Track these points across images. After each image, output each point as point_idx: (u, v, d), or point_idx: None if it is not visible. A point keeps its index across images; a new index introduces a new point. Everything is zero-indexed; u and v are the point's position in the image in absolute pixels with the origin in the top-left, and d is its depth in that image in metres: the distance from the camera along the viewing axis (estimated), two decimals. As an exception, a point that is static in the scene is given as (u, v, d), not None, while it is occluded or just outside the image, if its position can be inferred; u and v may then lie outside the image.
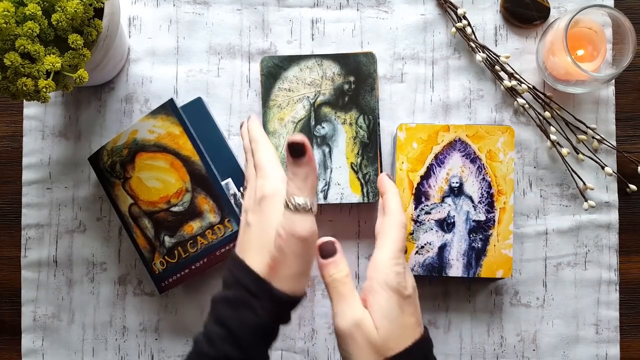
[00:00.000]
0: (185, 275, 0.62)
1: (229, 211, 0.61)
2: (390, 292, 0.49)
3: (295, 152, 0.47)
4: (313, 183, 0.48)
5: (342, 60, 0.63)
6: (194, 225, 0.62)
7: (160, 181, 0.62)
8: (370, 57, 0.63)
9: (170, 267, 0.63)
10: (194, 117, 0.63)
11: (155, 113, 0.62)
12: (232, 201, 0.62)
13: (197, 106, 0.64)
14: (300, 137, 0.47)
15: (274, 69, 0.64)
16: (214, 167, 0.62)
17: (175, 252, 0.62)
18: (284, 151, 0.63)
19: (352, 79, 0.63)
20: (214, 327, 0.48)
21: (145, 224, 0.63)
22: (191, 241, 0.62)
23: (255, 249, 0.50)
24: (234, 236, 0.61)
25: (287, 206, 0.48)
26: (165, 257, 0.62)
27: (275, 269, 0.48)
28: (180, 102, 0.66)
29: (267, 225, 0.50)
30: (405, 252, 0.57)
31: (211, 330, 0.48)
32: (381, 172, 0.63)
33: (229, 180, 0.63)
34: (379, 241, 0.52)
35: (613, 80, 0.66)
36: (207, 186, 0.61)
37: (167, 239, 0.62)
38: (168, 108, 0.62)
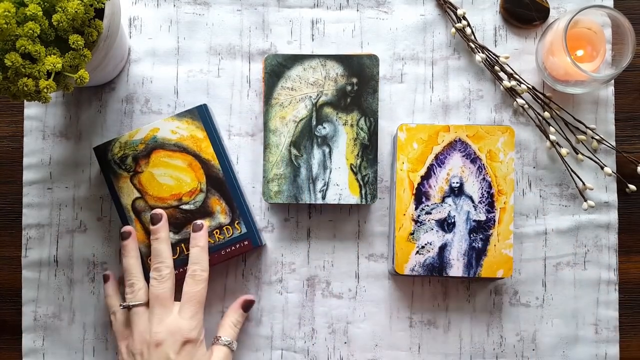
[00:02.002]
0: (183, 272, 0.62)
1: (241, 213, 0.62)
2: None
3: None
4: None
5: (345, 61, 0.63)
6: None
7: (174, 179, 0.63)
8: (373, 59, 0.63)
9: None
10: None
11: (181, 116, 0.63)
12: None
13: (201, 113, 0.63)
14: None
15: (278, 68, 0.64)
16: (232, 172, 0.63)
17: (178, 248, 0.62)
18: (284, 149, 0.63)
19: (355, 80, 0.63)
20: None
21: (148, 219, 0.63)
22: None
23: None
24: (241, 238, 0.62)
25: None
26: None
27: None
28: (181, 102, 0.67)
29: None
30: None
31: None
32: (376, 173, 0.63)
33: None
34: None
35: (612, 81, 0.66)
36: (223, 189, 0.62)
37: (171, 235, 0.62)
38: (195, 113, 0.63)
